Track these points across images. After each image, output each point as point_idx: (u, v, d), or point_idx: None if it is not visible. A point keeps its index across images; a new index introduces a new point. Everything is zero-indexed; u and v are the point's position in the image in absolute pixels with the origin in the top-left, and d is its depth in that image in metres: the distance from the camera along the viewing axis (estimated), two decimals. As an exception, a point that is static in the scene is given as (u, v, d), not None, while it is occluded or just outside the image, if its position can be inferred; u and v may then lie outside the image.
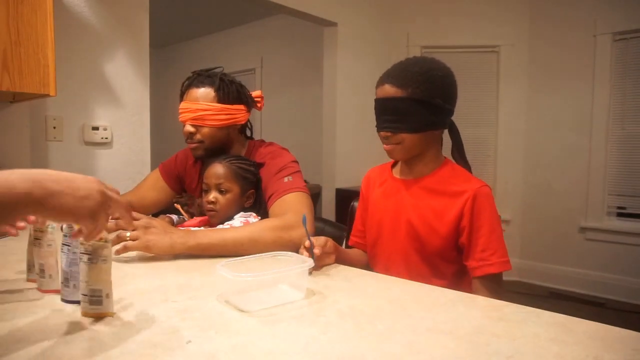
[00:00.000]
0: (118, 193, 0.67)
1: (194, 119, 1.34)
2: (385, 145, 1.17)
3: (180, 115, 1.37)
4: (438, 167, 1.19)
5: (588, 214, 3.52)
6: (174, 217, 1.46)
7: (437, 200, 1.14)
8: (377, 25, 3.77)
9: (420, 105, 1.09)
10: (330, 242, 1.06)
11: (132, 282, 0.87)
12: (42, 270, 0.80)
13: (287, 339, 0.64)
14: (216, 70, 1.41)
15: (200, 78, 1.37)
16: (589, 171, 3.50)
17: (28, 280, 0.87)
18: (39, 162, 1.94)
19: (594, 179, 3.49)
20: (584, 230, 3.54)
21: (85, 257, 0.68)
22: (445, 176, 1.17)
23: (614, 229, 3.40)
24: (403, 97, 1.09)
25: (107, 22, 2.10)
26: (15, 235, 0.82)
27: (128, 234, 1.02)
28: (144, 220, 1.06)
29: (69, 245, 0.73)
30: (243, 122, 1.43)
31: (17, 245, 1.15)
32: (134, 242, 1.01)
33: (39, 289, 0.81)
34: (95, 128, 2.09)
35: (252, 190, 1.35)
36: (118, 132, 2.18)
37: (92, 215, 0.60)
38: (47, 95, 1.54)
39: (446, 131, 1.21)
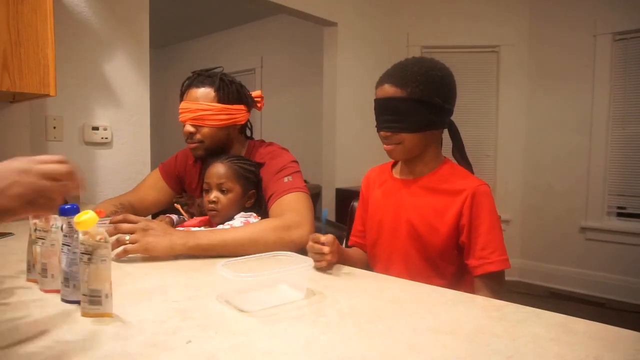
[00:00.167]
0: (63, 161, 0.56)
1: (194, 119, 1.34)
2: (385, 146, 1.17)
3: (180, 115, 1.37)
4: (438, 166, 1.19)
5: (588, 214, 3.52)
6: (174, 217, 1.46)
7: (437, 199, 1.14)
8: (377, 25, 3.77)
9: (420, 105, 1.09)
10: (336, 241, 1.06)
11: (132, 282, 0.87)
12: (44, 270, 0.80)
13: (287, 339, 0.64)
14: (216, 70, 1.41)
15: (200, 78, 1.37)
16: (589, 171, 3.50)
17: (28, 280, 0.87)
18: (39, 162, 1.94)
19: (594, 178, 3.49)
20: (584, 230, 3.53)
21: (85, 258, 0.68)
22: (445, 175, 1.17)
23: (614, 229, 3.40)
24: (403, 97, 1.09)
25: (107, 22, 2.10)
26: None
27: (127, 237, 1.02)
28: (143, 222, 1.06)
29: (69, 245, 0.73)
30: (243, 122, 1.43)
31: (17, 245, 1.15)
32: (134, 245, 1.01)
33: (41, 289, 0.81)
34: (95, 128, 2.09)
35: (254, 191, 1.35)
36: (118, 132, 2.18)
37: (29, 203, 0.51)
38: (47, 95, 1.54)
39: (446, 131, 1.21)
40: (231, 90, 1.36)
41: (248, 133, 1.52)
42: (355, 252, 1.33)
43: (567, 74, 3.59)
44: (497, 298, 0.97)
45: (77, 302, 0.71)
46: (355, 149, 3.59)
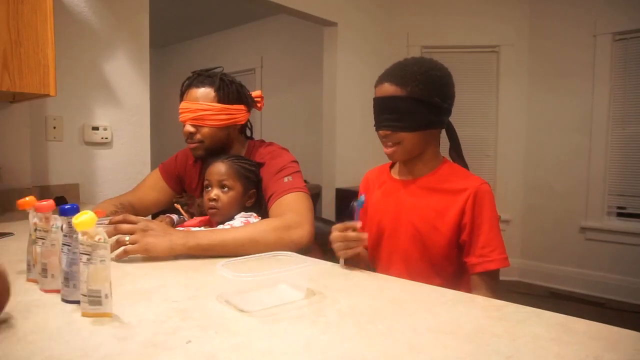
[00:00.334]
0: None
1: (194, 119, 1.34)
2: (385, 149, 1.16)
3: (181, 115, 1.37)
4: (437, 166, 1.19)
5: (588, 214, 3.52)
6: (174, 217, 1.46)
7: (437, 198, 1.14)
8: (377, 25, 3.78)
9: (419, 104, 1.09)
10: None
11: (132, 282, 0.87)
12: (44, 270, 0.80)
13: (287, 339, 0.64)
14: (216, 70, 1.41)
15: (200, 78, 1.37)
16: (589, 171, 3.50)
17: (28, 280, 0.87)
18: (39, 162, 1.94)
19: (594, 178, 3.49)
20: (584, 230, 3.54)
21: (84, 258, 0.68)
22: (444, 174, 1.17)
23: (614, 229, 3.40)
24: (403, 96, 1.09)
25: (107, 22, 2.10)
26: None
27: (127, 238, 1.02)
28: (142, 223, 1.05)
29: (69, 245, 0.73)
30: (243, 122, 1.43)
31: (17, 245, 1.15)
32: (133, 246, 1.01)
33: (41, 289, 0.81)
34: (95, 128, 2.09)
35: (254, 190, 1.35)
36: (118, 132, 2.18)
37: None
38: (47, 95, 1.54)
39: (443, 131, 1.21)
40: (231, 90, 1.36)
41: (248, 133, 1.52)
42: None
43: (567, 74, 3.59)
44: (495, 296, 0.97)
45: (77, 302, 0.71)
46: (355, 149, 3.59)
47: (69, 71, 1.97)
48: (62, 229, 0.75)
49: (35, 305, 0.74)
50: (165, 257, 1.04)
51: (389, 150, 1.16)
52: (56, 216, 0.79)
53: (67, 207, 0.73)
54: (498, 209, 1.14)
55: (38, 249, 0.81)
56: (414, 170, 1.20)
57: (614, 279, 3.38)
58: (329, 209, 3.51)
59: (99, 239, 0.68)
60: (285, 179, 1.29)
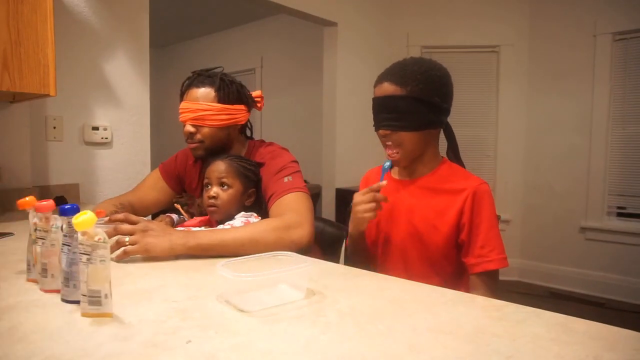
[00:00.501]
0: None
1: (194, 119, 1.34)
2: (390, 156, 1.16)
3: (181, 115, 1.37)
4: (437, 166, 1.19)
5: (588, 214, 3.52)
6: (174, 216, 1.46)
7: (437, 199, 1.14)
8: (377, 25, 3.78)
9: (419, 103, 1.09)
10: None
11: (132, 282, 0.87)
12: (44, 270, 0.80)
13: (287, 339, 0.64)
14: (216, 70, 1.41)
15: (200, 78, 1.37)
16: (589, 171, 3.50)
17: (28, 280, 0.87)
18: (39, 162, 1.94)
19: (594, 178, 3.49)
20: (584, 230, 3.54)
21: (84, 258, 0.68)
22: (444, 174, 1.17)
23: (614, 229, 3.40)
24: (402, 95, 1.09)
25: (107, 22, 2.10)
26: None
27: (127, 238, 1.02)
28: (142, 223, 1.05)
29: (69, 245, 0.73)
30: (243, 122, 1.43)
31: (17, 245, 1.15)
32: (133, 246, 1.01)
33: (41, 289, 0.81)
34: (95, 128, 2.09)
35: (254, 189, 1.35)
36: (118, 132, 2.18)
37: None
38: (47, 95, 1.54)
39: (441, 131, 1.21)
40: (231, 90, 1.36)
41: (248, 133, 1.52)
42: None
43: (567, 74, 3.59)
44: (494, 296, 0.97)
45: (77, 302, 0.71)
46: (355, 149, 3.59)
47: (69, 71, 1.97)
48: (62, 229, 0.75)
49: (35, 305, 0.74)
50: (165, 257, 1.04)
51: (394, 157, 1.15)
52: (56, 216, 0.79)
53: (67, 207, 0.73)
54: (498, 209, 1.13)
55: (38, 249, 0.81)
56: (414, 170, 1.20)
57: (614, 279, 3.38)
58: (329, 209, 3.51)
59: (99, 239, 0.68)
60: (285, 179, 1.29)
